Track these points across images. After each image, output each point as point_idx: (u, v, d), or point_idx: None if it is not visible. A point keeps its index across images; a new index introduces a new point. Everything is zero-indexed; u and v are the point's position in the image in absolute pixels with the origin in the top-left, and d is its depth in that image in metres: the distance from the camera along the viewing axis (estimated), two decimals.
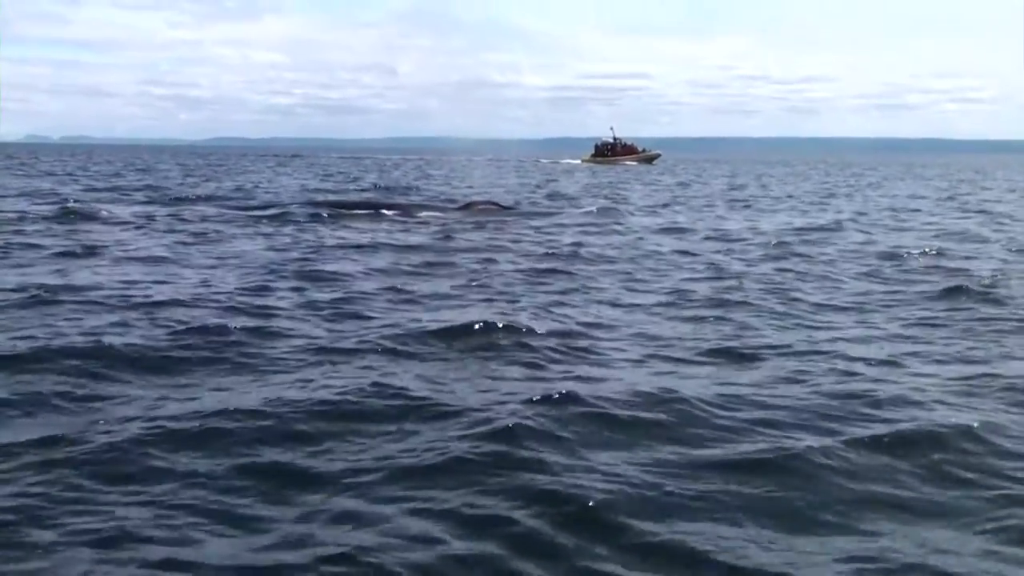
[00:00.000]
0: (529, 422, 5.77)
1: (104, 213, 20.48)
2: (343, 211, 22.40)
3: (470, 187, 39.41)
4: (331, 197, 27.90)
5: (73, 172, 47.12)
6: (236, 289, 10.99)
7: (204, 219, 20.32)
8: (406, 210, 23.20)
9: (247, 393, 6.48)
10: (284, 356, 7.67)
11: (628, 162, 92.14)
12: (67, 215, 19.79)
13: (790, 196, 36.08)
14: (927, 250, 16.20)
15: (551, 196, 32.73)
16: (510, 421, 5.74)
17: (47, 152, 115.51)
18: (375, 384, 6.64)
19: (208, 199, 26.97)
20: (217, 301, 10.08)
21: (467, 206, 24.15)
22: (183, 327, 8.48)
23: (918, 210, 29.43)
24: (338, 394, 6.42)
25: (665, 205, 29.72)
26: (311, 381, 6.81)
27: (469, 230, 18.83)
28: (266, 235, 17.27)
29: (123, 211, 21.67)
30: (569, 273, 13.09)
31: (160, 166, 61.14)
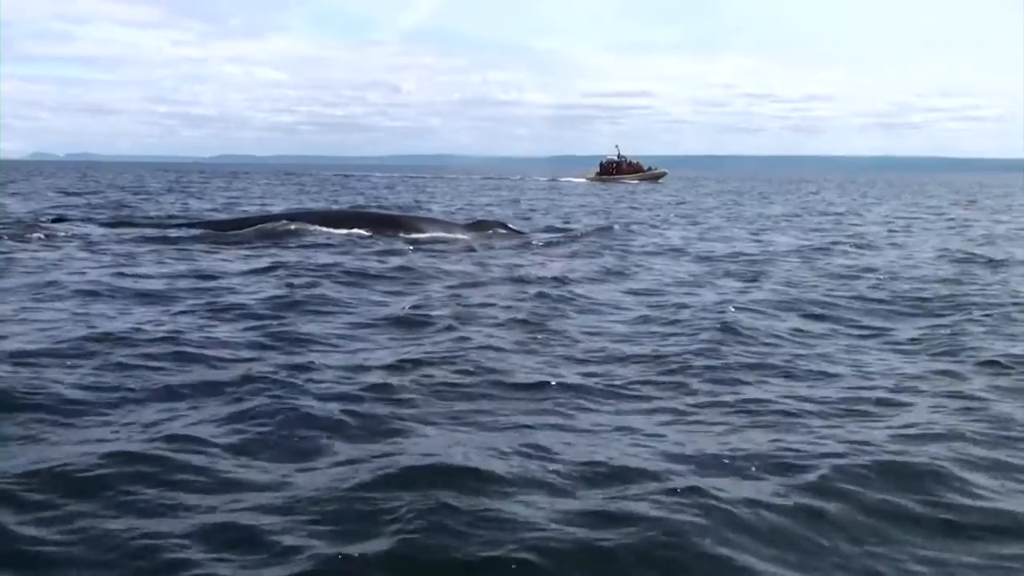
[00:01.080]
0: None
1: None
2: (307, 227, 19.52)
3: (468, 205, 38.12)
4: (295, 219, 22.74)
5: (39, 190, 45.09)
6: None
7: (139, 239, 18.18)
8: (402, 227, 20.36)
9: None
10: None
11: (633, 180, 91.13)
12: None
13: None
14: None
15: (548, 216, 30.93)
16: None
17: (32, 169, 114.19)
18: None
19: (161, 219, 23.99)
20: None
21: (473, 225, 21.91)
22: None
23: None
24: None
25: (681, 224, 28.23)
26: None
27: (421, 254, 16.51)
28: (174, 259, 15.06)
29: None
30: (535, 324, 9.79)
31: (152, 185, 59.52)
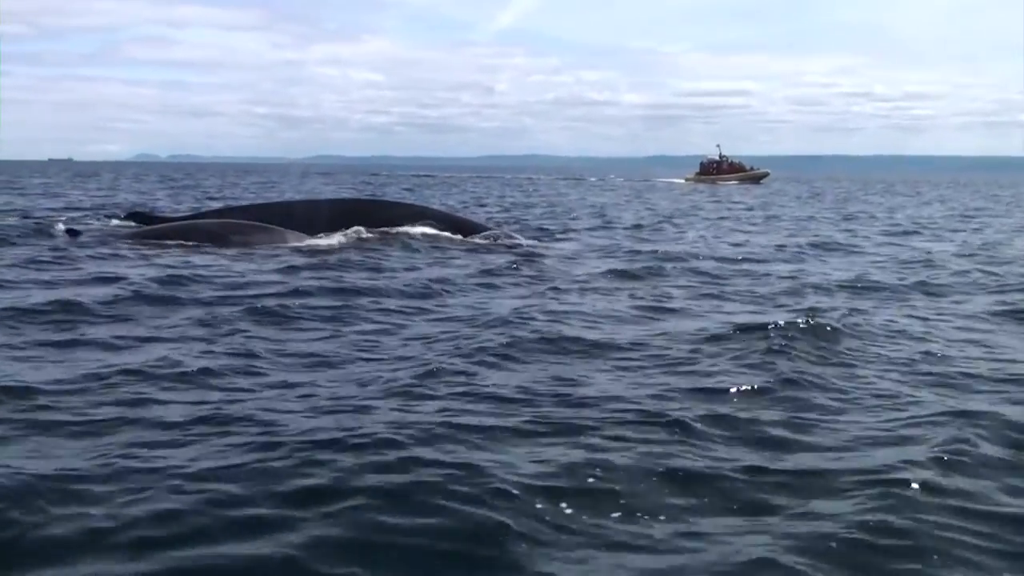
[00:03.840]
0: None
1: None
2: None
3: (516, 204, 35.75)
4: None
5: (85, 189, 44.72)
6: None
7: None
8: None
9: None
10: None
11: (733, 182, 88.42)
12: None
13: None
14: None
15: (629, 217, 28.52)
16: None
17: (130, 168, 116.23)
18: None
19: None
20: None
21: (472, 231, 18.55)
22: None
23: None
24: None
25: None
26: None
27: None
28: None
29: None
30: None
31: (207, 182, 59.13)
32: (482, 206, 35.57)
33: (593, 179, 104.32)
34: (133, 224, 18.63)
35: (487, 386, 6.57)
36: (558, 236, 20.67)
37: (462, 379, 6.76)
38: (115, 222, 19.84)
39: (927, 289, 12.68)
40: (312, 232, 16.73)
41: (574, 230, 22.54)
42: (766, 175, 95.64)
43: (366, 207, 21.34)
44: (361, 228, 17.48)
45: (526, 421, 5.73)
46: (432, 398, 6.23)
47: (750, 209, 38.48)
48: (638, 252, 17.00)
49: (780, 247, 18.81)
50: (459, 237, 17.84)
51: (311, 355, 7.61)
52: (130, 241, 16.26)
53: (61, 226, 17.88)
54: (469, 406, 6.04)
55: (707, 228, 25.15)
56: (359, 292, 10.97)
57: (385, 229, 17.78)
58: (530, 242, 18.20)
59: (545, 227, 23.10)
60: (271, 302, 9.85)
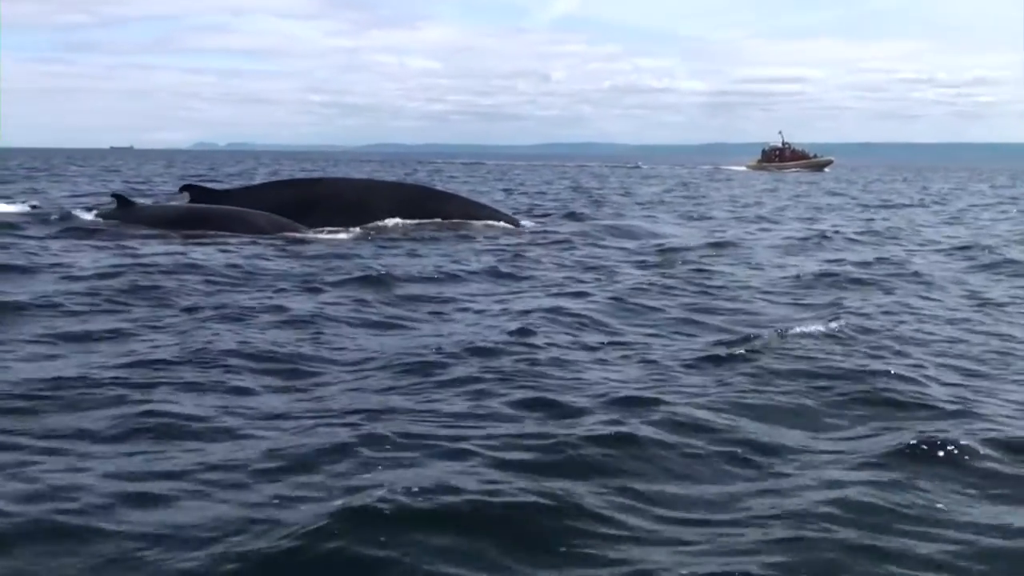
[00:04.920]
0: None
1: None
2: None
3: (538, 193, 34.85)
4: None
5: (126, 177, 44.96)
6: None
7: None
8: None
9: None
10: None
11: (795, 169, 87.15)
12: None
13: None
14: None
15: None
16: None
17: (186, 158, 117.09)
18: None
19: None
20: None
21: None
22: None
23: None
24: None
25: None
26: None
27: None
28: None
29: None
30: None
31: (259, 170, 59.13)
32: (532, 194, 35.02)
33: (646, 167, 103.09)
34: (187, 196, 18.75)
35: None
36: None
37: None
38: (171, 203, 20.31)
39: None
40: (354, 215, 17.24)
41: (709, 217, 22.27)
42: (830, 162, 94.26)
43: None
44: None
45: None
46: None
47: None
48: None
49: None
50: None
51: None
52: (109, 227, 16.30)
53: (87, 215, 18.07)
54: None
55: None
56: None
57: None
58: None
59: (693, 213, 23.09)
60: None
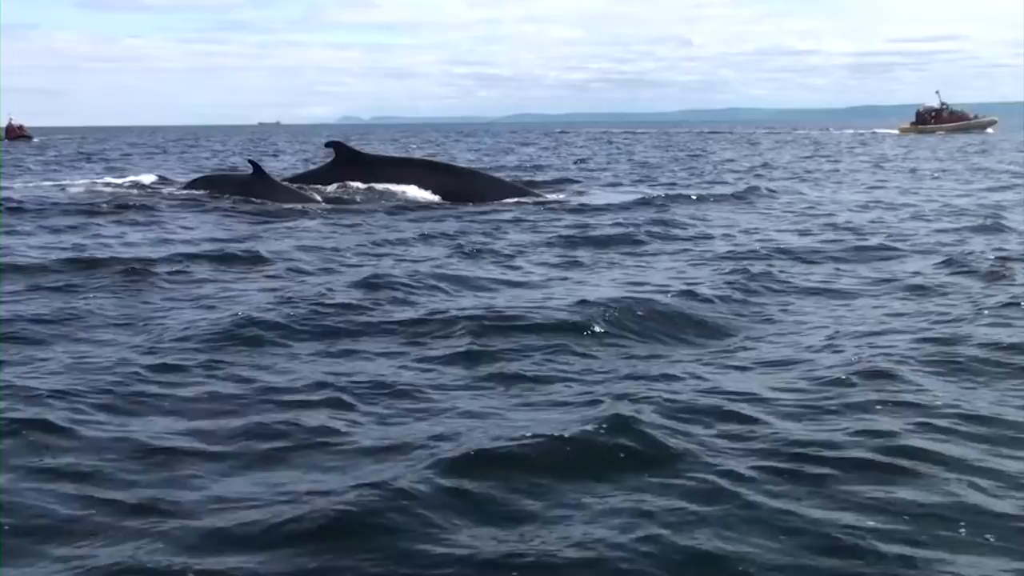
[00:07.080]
0: None
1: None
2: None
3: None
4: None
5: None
6: None
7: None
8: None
9: None
10: None
11: (954, 132, 79.66)
12: None
13: None
14: None
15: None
16: None
17: (325, 132, 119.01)
18: None
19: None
20: None
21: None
22: None
23: None
24: None
25: None
26: None
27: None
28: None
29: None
30: None
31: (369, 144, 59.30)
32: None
33: (791, 133, 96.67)
34: (333, 152, 20.19)
35: None
36: None
37: None
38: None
39: None
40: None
41: None
42: (993, 123, 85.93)
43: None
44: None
45: None
46: None
47: None
48: None
49: None
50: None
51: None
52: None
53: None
54: None
55: None
56: None
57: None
58: None
59: None
60: None
